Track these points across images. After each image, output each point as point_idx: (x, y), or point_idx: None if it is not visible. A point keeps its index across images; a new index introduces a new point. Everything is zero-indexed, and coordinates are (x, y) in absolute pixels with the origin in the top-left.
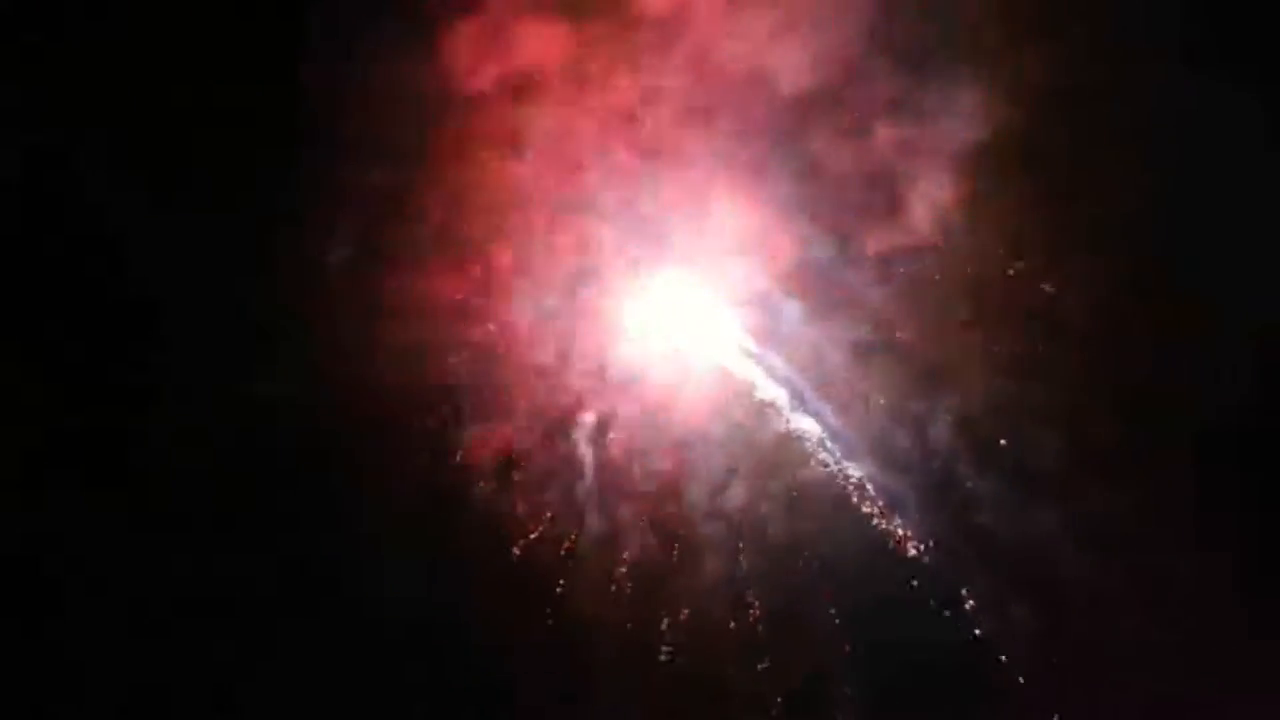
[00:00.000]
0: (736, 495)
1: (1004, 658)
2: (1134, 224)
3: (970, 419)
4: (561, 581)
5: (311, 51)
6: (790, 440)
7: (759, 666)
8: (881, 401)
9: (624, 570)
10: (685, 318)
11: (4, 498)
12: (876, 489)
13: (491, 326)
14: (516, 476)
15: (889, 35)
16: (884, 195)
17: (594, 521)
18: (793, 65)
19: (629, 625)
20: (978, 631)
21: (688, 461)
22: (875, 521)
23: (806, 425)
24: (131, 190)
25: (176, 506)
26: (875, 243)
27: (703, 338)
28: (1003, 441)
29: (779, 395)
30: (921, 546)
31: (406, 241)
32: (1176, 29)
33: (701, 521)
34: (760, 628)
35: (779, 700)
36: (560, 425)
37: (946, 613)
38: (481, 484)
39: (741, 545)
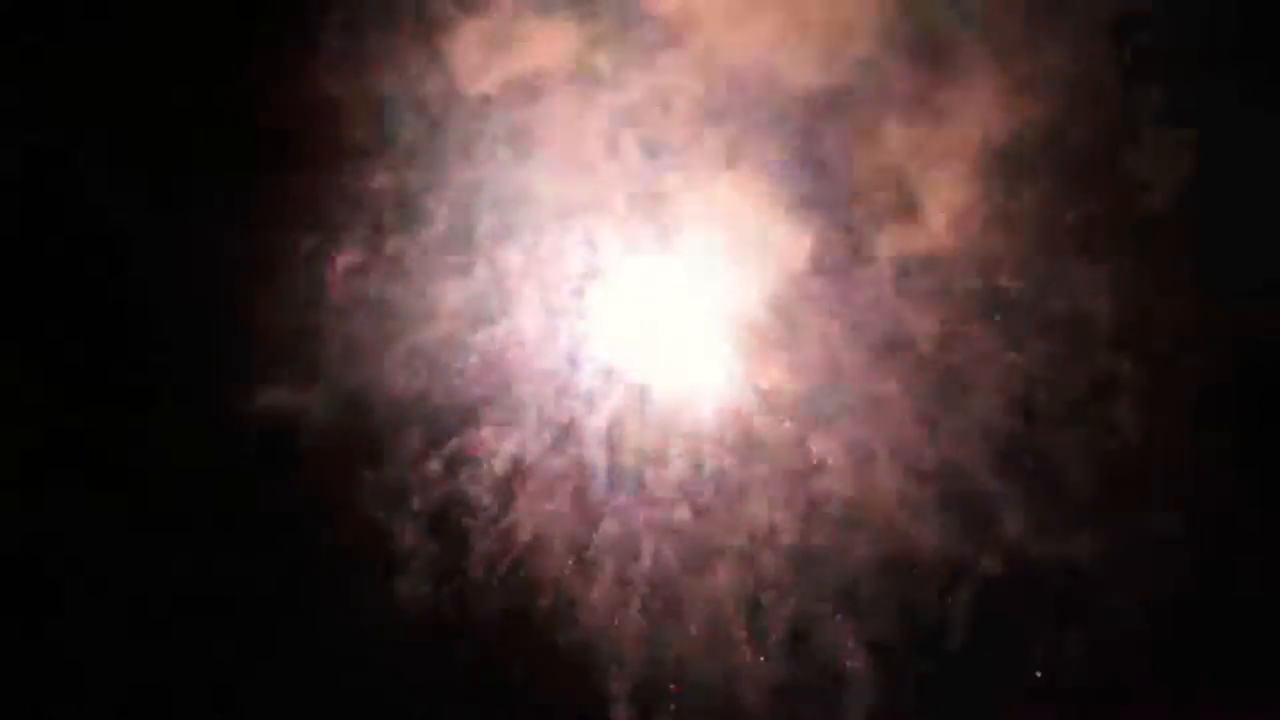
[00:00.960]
0: (750, 502)
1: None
2: (1160, 223)
3: (990, 424)
4: (572, 587)
5: (316, 52)
6: (804, 446)
7: (772, 677)
8: (897, 406)
9: (637, 578)
10: (696, 320)
11: (4, 497)
12: (894, 496)
13: (499, 329)
14: (525, 481)
15: (904, 30)
16: (900, 195)
17: (606, 527)
18: (804, 62)
19: (641, 632)
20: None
21: (699, 467)
22: (893, 530)
23: (817, 429)
24: (131, 190)
25: (177, 506)
26: (891, 244)
27: (714, 341)
28: (1025, 448)
29: (792, 399)
30: (940, 557)
31: (412, 243)
32: (1198, 25)
33: (715, 529)
34: (774, 639)
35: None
36: (569, 429)
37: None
38: (489, 488)
39: (756, 554)
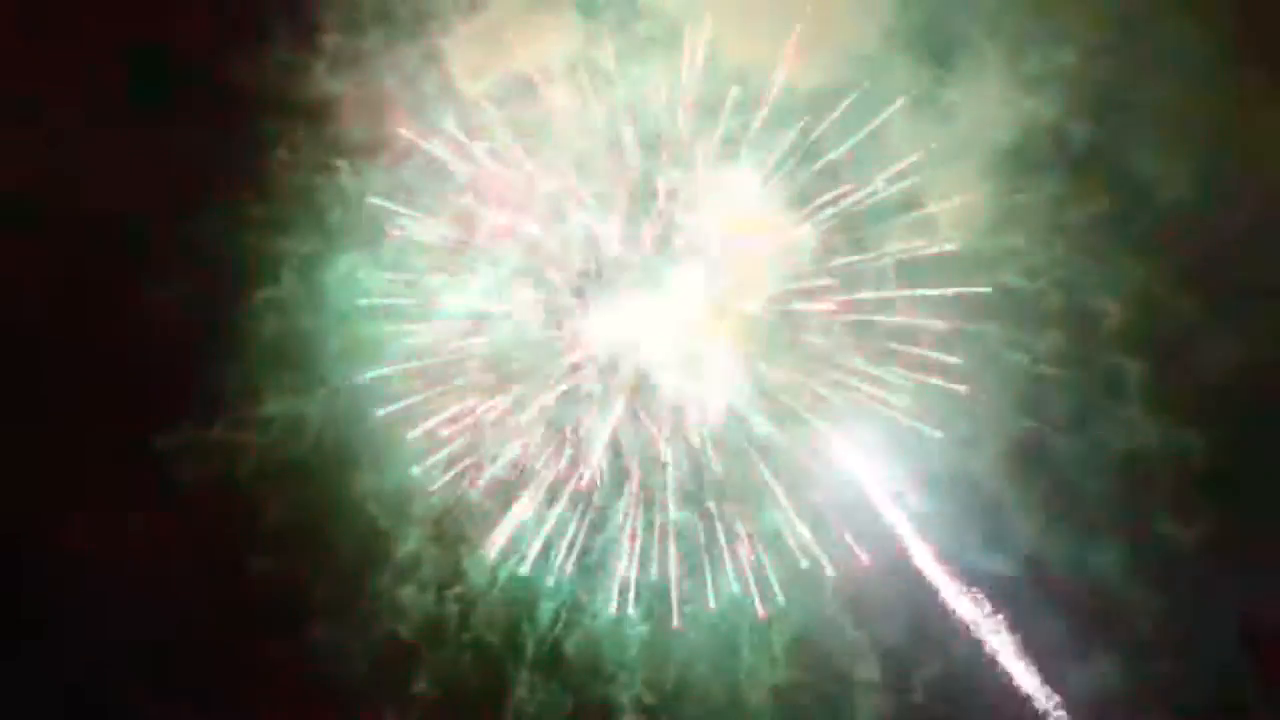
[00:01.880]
0: (759, 507)
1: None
2: (1177, 221)
3: (1003, 427)
4: (577, 593)
5: (317, 52)
6: (813, 449)
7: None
8: (903, 408)
9: (643, 583)
10: (698, 319)
11: None
12: (904, 499)
13: (502, 330)
14: (528, 483)
15: (909, 28)
16: (905, 195)
17: (612, 530)
18: (808, 59)
19: (647, 635)
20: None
21: (705, 469)
22: (906, 536)
23: (826, 431)
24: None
25: None
26: (896, 244)
27: (716, 340)
28: (1046, 457)
29: (796, 398)
30: (956, 566)
31: (413, 244)
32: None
33: (723, 533)
34: (786, 646)
35: None
36: (573, 429)
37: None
38: (492, 491)
39: (766, 561)
